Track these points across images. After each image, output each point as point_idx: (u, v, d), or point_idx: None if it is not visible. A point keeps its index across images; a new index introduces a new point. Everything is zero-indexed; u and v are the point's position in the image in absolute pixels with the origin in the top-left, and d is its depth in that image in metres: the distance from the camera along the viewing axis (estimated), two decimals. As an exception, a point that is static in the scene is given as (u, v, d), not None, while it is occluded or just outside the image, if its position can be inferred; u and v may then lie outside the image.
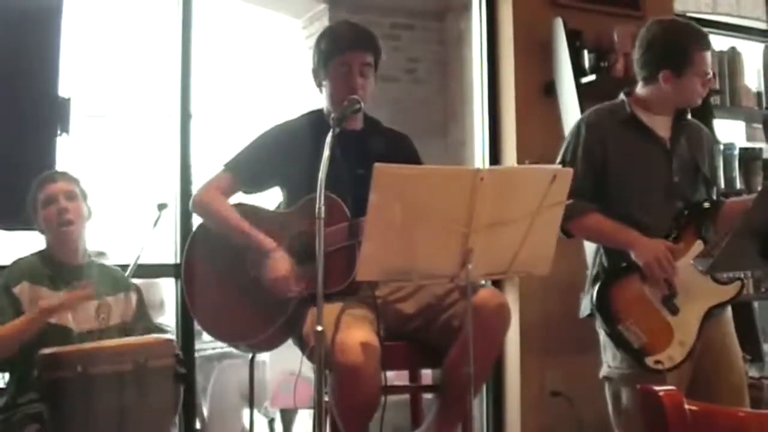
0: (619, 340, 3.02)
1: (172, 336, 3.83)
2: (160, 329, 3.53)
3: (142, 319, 3.29)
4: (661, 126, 3.21)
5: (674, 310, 3.02)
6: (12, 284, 3.03)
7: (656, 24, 3.21)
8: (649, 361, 2.97)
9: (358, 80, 2.94)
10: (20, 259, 3.14)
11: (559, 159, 3.23)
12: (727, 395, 3.07)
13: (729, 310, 3.22)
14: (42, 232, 3.17)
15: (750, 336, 4.40)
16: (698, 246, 3.08)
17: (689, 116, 3.27)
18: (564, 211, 3.03)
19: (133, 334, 3.18)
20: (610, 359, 3.12)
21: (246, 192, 3.07)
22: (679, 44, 3.13)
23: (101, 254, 3.98)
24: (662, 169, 3.17)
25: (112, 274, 3.30)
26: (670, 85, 3.14)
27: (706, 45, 3.19)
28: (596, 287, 3.08)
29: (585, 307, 3.21)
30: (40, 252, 3.17)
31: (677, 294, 3.02)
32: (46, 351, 2.76)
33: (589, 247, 3.38)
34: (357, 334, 2.65)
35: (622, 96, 3.28)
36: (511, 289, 4.27)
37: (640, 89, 3.24)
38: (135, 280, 3.43)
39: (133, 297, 3.28)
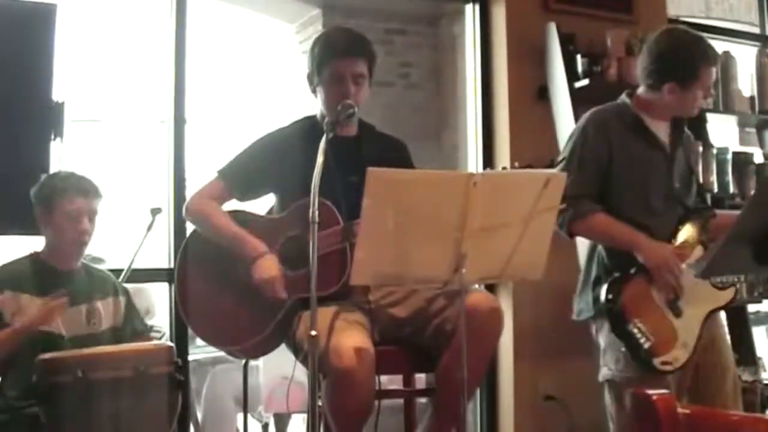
0: (628, 340, 3.01)
1: (167, 339, 3.83)
2: (151, 330, 3.52)
3: (131, 322, 3.27)
4: (662, 131, 3.22)
5: (678, 313, 3.04)
6: None
7: (666, 35, 3.20)
8: (657, 362, 2.98)
9: (351, 88, 2.93)
10: (5, 265, 3.11)
11: (561, 158, 3.22)
12: (729, 394, 3.11)
13: (721, 312, 3.23)
14: (44, 232, 3.12)
15: (744, 340, 4.41)
16: (698, 251, 3.11)
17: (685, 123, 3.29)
18: (570, 211, 3.06)
19: (122, 338, 3.17)
20: (611, 363, 3.11)
21: (240, 199, 3.06)
22: (689, 61, 3.12)
23: (98, 260, 3.96)
24: (664, 174, 3.18)
25: (101, 278, 3.27)
26: (674, 97, 3.14)
27: (714, 61, 3.21)
28: (604, 287, 3.07)
29: (582, 309, 3.20)
30: (32, 255, 3.13)
31: (681, 296, 3.04)
32: (46, 356, 2.75)
33: (582, 250, 3.38)
34: (351, 338, 2.64)
35: (624, 97, 3.27)
36: (504, 294, 4.27)
37: (643, 93, 3.24)
38: (127, 285, 3.41)
39: (122, 300, 3.25)
